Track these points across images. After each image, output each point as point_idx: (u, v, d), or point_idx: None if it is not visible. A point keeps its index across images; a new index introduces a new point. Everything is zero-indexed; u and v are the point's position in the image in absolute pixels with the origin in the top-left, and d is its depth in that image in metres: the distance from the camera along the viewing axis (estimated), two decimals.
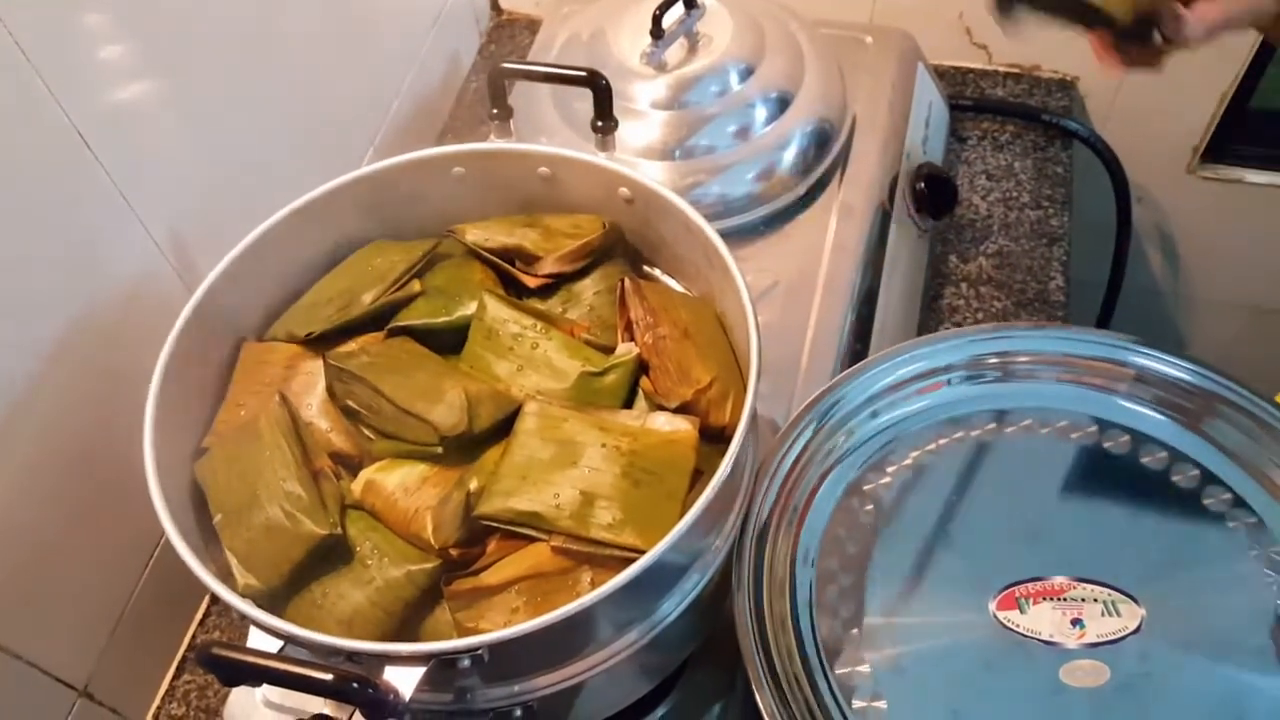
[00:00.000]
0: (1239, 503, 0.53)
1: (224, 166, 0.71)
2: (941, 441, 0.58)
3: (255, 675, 0.43)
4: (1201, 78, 0.95)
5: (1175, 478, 0.55)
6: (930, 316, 0.86)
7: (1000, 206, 0.93)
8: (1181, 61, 0.93)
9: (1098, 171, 1.00)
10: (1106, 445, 0.56)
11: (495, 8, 1.10)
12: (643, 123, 0.76)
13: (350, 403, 0.55)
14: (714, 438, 0.55)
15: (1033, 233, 0.91)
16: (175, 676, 0.73)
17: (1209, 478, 0.54)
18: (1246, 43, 0.91)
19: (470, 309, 0.58)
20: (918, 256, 0.86)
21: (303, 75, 0.78)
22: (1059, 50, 0.99)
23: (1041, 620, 0.50)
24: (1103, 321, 1.13)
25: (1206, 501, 0.54)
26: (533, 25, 1.08)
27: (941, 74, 0.98)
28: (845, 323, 0.73)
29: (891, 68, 0.88)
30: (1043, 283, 0.87)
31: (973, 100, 0.99)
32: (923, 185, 0.85)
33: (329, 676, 0.41)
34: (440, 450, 0.53)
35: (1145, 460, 0.55)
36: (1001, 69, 1.01)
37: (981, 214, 0.92)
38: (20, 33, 0.53)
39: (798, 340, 0.72)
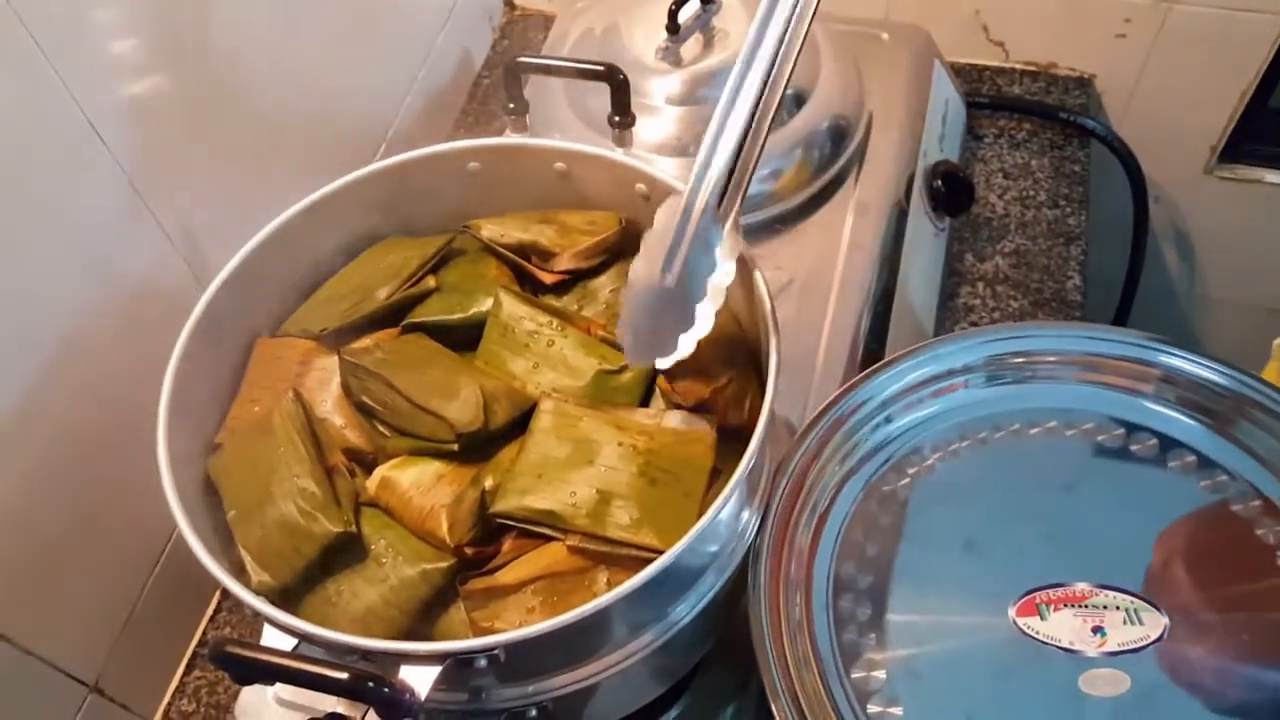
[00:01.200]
0: (1270, 510, 0.52)
1: (237, 161, 0.71)
2: (962, 443, 0.57)
3: (269, 674, 0.43)
4: (1220, 77, 0.94)
5: (1203, 483, 0.53)
6: (947, 315, 0.85)
7: (1017, 205, 0.92)
8: (1200, 60, 0.93)
9: (1115, 170, 0.99)
10: (1133, 448, 0.55)
11: (508, 3, 1.09)
12: (658, 118, 0.76)
13: (365, 399, 0.55)
14: (731, 437, 0.54)
15: (1050, 231, 0.90)
16: (186, 673, 0.72)
17: (1238, 483, 0.53)
18: (1266, 41, 0.90)
19: (485, 305, 0.58)
20: (934, 255, 0.85)
21: (315, 69, 0.78)
22: (1076, 48, 0.98)
23: (1062, 627, 0.49)
24: (1119, 320, 1.12)
25: (1236, 508, 0.52)
26: (546, 21, 1.07)
27: (958, 71, 0.97)
28: (861, 321, 0.73)
29: (908, 65, 0.87)
30: (1060, 282, 0.87)
31: (989, 98, 0.98)
32: (939, 183, 0.84)
33: (345, 675, 0.41)
34: (456, 447, 0.52)
35: (1173, 465, 0.54)
36: (1018, 66, 1.00)
37: (998, 212, 0.91)
38: (35, 27, 0.52)
39: (813, 339, 0.71)
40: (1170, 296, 1.15)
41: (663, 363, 0.51)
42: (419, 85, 0.92)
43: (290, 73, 0.75)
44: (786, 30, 0.49)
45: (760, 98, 0.49)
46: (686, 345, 0.50)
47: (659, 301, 0.49)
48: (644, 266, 0.50)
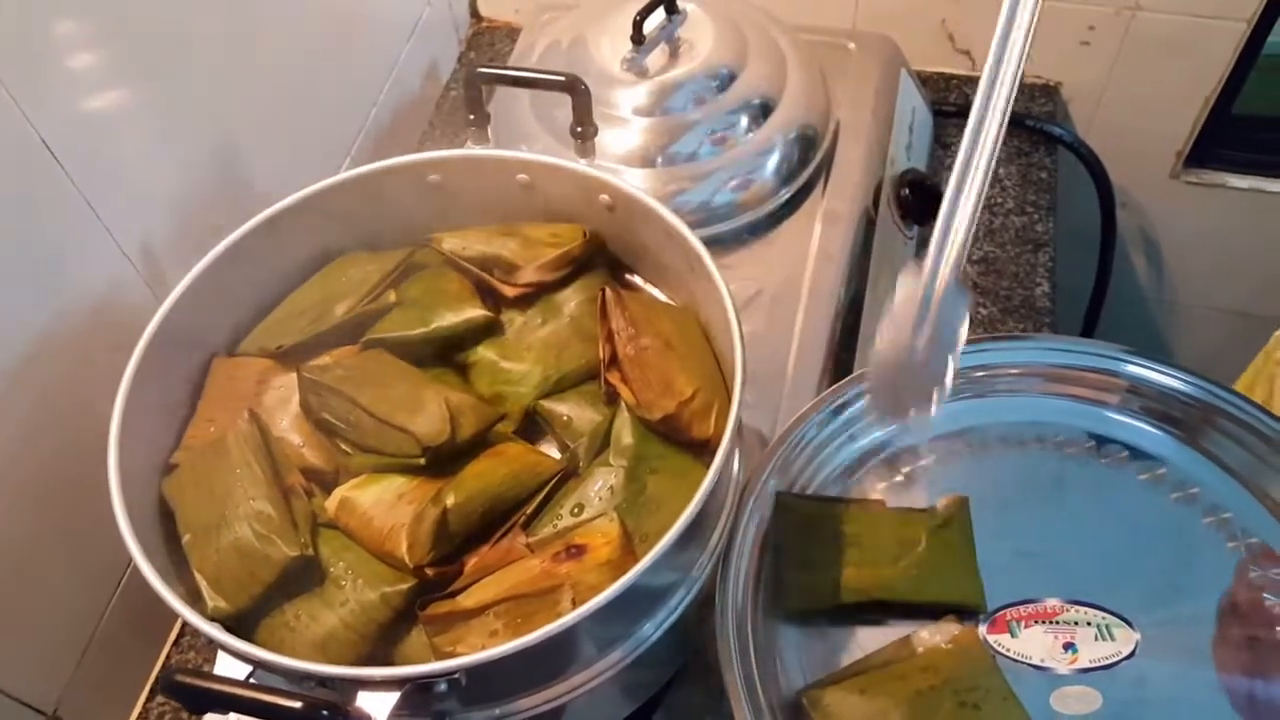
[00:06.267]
0: (1239, 523, 0.51)
1: (196, 175, 0.70)
2: (929, 459, 0.56)
3: (222, 703, 0.41)
4: (1185, 83, 0.95)
5: (1174, 495, 0.53)
6: None
7: (985, 212, 0.92)
8: (1165, 67, 0.93)
9: (1081, 177, 0.99)
10: (1102, 461, 0.54)
11: (475, 15, 1.08)
12: (624, 129, 0.75)
13: (326, 416, 0.54)
14: (698, 450, 0.54)
15: (1018, 239, 0.90)
16: (148, 699, 0.71)
17: (1208, 496, 0.52)
18: (1230, 47, 0.91)
19: (446, 320, 0.57)
20: (903, 263, 0.85)
21: (278, 82, 0.77)
22: (1042, 55, 0.98)
23: (1033, 644, 0.49)
24: (1088, 327, 1.12)
25: (1206, 521, 0.52)
26: (512, 32, 1.07)
27: (925, 80, 0.97)
28: (830, 331, 0.72)
29: (875, 74, 0.87)
30: (1029, 289, 0.87)
31: (956, 106, 0.98)
32: (907, 191, 0.84)
33: (298, 705, 0.40)
34: (423, 461, 0.51)
35: (1143, 477, 0.53)
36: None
37: None
38: None
39: (783, 349, 0.71)
40: (1139, 302, 1.15)
41: (921, 417, 0.50)
42: (385, 98, 0.92)
43: (252, 85, 0.74)
44: (1013, 86, 0.47)
45: (994, 156, 0.47)
46: (941, 395, 0.49)
47: (911, 365, 0.48)
48: (891, 334, 0.48)
